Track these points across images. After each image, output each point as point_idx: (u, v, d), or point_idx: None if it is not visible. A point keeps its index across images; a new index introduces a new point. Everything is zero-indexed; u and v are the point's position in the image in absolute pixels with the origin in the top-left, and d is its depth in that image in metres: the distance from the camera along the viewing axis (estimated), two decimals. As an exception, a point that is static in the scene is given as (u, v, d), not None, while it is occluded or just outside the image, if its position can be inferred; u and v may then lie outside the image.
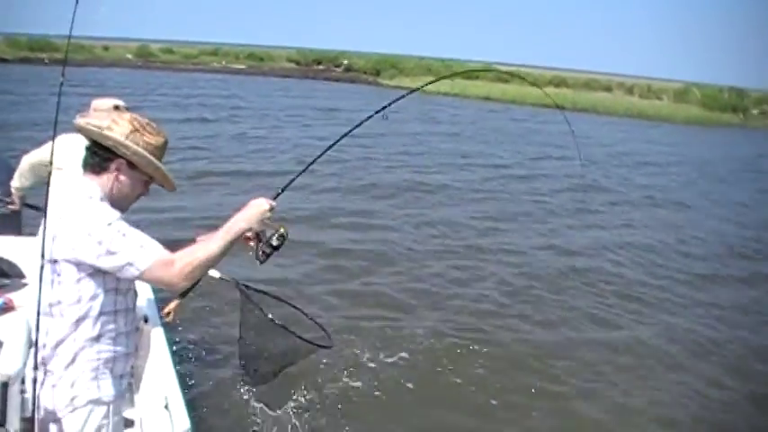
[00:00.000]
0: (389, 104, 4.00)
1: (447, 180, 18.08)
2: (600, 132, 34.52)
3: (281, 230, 3.19)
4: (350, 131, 3.84)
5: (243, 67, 63.65)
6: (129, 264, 2.69)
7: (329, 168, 16.50)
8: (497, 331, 8.49)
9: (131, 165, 2.85)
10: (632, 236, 14.15)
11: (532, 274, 10.77)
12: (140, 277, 2.74)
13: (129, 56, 62.54)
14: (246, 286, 4.00)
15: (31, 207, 5.40)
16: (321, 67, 68.33)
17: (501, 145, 26.79)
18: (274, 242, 3.17)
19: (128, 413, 4.07)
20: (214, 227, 2.95)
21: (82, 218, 2.70)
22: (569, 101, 49.55)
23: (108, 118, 2.94)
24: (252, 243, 3.21)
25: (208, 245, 2.82)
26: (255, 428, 5.73)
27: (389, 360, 7.35)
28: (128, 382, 3.09)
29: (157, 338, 4.49)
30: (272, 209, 2.99)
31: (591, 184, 18.56)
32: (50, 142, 3.81)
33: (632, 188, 19.84)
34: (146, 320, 4.43)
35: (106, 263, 2.69)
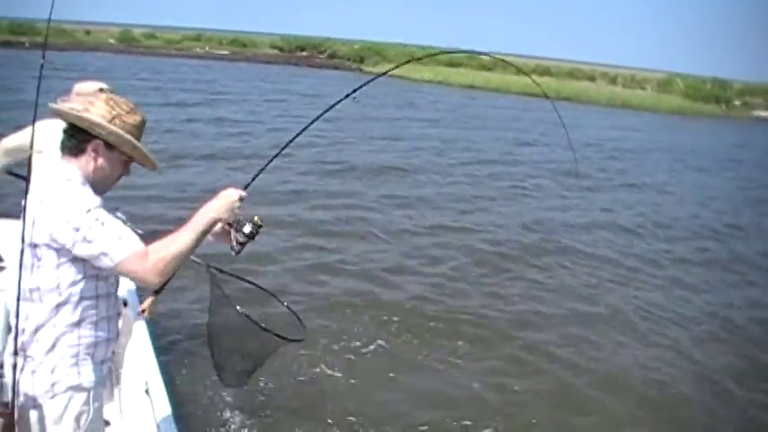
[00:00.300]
0: (359, 88, 3.93)
1: (420, 163, 18.29)
2: (582, 121, 34.51)
3: (255, 219, 3.15)
4: (319, 116, 3.73)
5: (226, 52, 63.37)
6: (104, 253, 2.64)
7: (306, 152, 16.69)
8: (477, 309, 8.65)
9: (109, 145, 2.80)
10: (610, 217, 14.49)
11: (508, 254, 10.97)
12: (114, 269, 2.68)
13: (112, 40, 62.07)
14: (218, 269, 3.81)
15: (15, 175, 5.25)
16: (305, 53, 68.17)
17: (479, 131, 26.86)
18: (246, 230, 3.12)
19: (108, 398, 4.05)
20: (191, 208, 2.91)
21: (60, 203, 2.65)
22: (553, 90, 49.57)
23: (86, 101, 2.90)
24: (227, 234, 3.18)
25: (179, 237, 2.76)
26: (233, 412, 5.74)
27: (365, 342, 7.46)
28: (108, 367, 3.04)
29: (137, 323, 4.47)
30: (241, 199, 2.94)
31: (569, 170, 18.61)
32: (29, 127, 3.75)
33: (612, 173, 20.16)
34: (125, 304, 4.39)
35: (81, 250, 2.64)
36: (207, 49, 64.77)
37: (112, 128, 2.76)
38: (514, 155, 21.73)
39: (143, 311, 2.72)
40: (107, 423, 4.03)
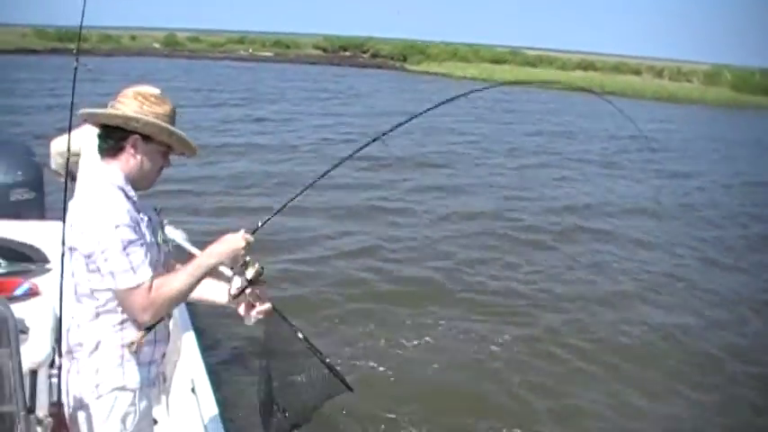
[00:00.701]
0: (391, 130, 3.73)
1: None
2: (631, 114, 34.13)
3: (257, 266, 3.01)
4: (344, 160, 3.52)
5: (270, 54, 63.79)
6: (112, 274, 2.64)
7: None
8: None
9: (146, 138, 2.78)
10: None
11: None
12: (115, 293, 2.68)
13: (157, 45, 62.88)
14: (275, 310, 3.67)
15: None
16: (348, 53, 68.31)
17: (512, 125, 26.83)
18: (249, 276, 2.99)
19: (157, 399, 4.08)
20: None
21: (92, 211, 2.66)
22: (597, 84, 49.18)
23: (115, 101, 2.89)
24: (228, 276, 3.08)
25: (179, 281, 2.76)
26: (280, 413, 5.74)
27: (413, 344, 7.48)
28: (157, 368, 3.01)
29: (183, 323, 4.49)
30: (248, 245, 2.88)
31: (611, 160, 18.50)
32: (79, 128, 3.79)
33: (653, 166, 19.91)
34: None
35: (97, 262, 2.65)
36: (250, 51, 65.30)
37: (147, 118, 2.74)
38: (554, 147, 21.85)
39: (131, 344, 2.67)
40: (155, 422, 4.07)
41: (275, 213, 3.27)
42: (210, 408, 3.80)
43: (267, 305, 3.03)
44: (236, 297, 3.03)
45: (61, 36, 51.03)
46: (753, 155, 25.09)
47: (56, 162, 5.16)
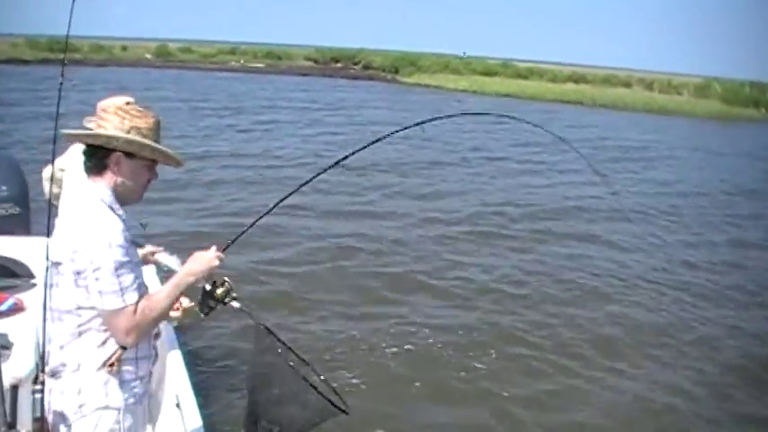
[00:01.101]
0: (374, 142, 3.84)
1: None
2: (617, 128, 34.49)
3: (226, 285, 3.10)
4: (318, 175, 3.64)
5: (261, 65, 63.77)
6: (100, 294, 2.65)
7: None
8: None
9: (129, 154, 2.79)
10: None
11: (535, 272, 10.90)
12: (100, 313, 2.70)
13: (149, 55, 62.85)
14: (267, 329, 3.45)
15: None
16: (339, 65, 68.37)
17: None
18: (219, 295, 3.08)
19: (144, 415, 4.06)
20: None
21: (85, 229, 2.67)
22: (589, 97, 49.46)
23: (97, 118, 2.89)
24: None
25: (159, 303, 2.80)
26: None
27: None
28: (144, 386, 2.99)
29: (168, 337, 4.48)
30: (220, 261, 2.97)
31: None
32: (65, 153, 3.79)
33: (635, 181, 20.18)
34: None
35: (87, 281, 2.66)
36: (242, 62, 65.28)
37: (127, 136, 2.76)
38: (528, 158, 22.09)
39: (111, 365, 2.66)
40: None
41: (243, 232, 3.33)
42: (195, 423, 3.77)
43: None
44: (207, 315, 3.12)
45: (52, 46, 50.87)
46: (736, 165, 25.41)
47: (47, 189, 5.15)
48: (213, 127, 23.32)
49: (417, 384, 6.87)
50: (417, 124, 3.88)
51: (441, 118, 4.39)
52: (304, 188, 3.57)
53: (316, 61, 70.05)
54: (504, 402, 6.71)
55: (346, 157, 3.66)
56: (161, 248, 3.47)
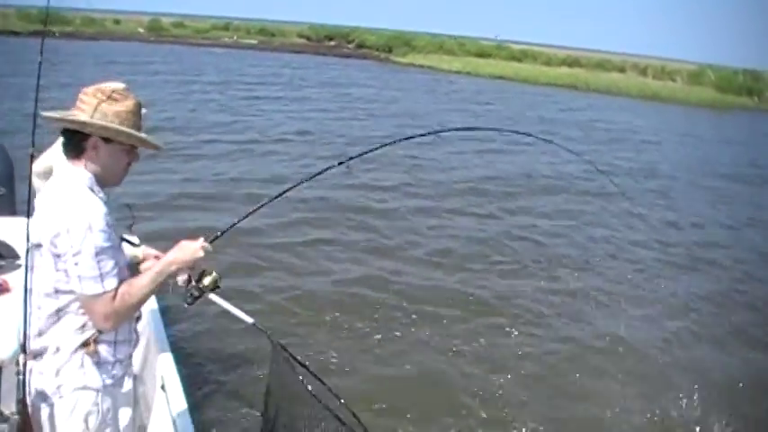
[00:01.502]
0: (355, 157, 3.97)
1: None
2: (608, 112, 34.58)
3: (214, 275, 3.11)
4: (301, 182, 3.69)
5: (254, 42, 63.43)
6: (79, 278, 2.64)
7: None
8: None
9: (106, 139, 2.77)
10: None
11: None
12: (79, 297, 2.69)
13: (141, 30, 62.41)
14: (282, 347, 3.50)
15: None
16: (333, 43, 68.02)
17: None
18: (205, 283, 3.09)
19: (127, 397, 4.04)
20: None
21: (67, 211, 2.65)
22: (582, 81, 49.38)
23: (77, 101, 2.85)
24: (181, 282, 3.15)
25: (140, 289, 2.78)
26: (249, 408, 5.71)
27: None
28: (124, 369, 3.00)
29: (154, 320, 4.46)
30: (206, 253, 2.96)
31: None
32: (54, 145, 3.75)
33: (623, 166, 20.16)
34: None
35: (67, 264, 2.65)
36: (235, 38, 64.89)
37: (102, 123, 2.73)
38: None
39: (86, 345, 2.65)
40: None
41: (231, 226, 3.34)
42: (180, 404, 3.77)
43: None
44: (190, 305, 3.16)
45: (43, 18, 50.36)
46: (719, 152, 25.74)
47: (37, 184, 5.07)
48: (199, 102, 23.18)
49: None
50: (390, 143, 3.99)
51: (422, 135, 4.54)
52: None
53: (309, 39, 69.61)
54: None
55: (341, 164, 3.85)
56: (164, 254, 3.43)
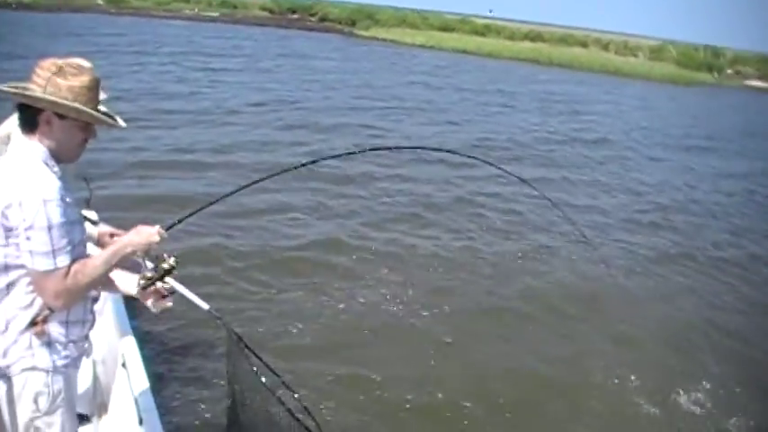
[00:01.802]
0: (311, 162, 4.15)
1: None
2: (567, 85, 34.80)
3: (171, 261, 3.06)
4: (262, 179, 3.72)
5: (216, 14, 62.69)
6: (30, 253, 2.58)
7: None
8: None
9: (60, 114, 2.68)
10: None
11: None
12: (31, 273, 2.63)
13: (100, 1, 61.34)
14: (238, 336, 3.42)
15: None
16: (296, 16, 67.50)
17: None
18: (159, 270, 3.06)
19: (83, 375, 3.97)
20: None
21: (20, 184, 2.58)
22: (545, 56, 49.62)
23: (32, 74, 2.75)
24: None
25: (93, 269, 2.74)
26: (211, 386, 5.69)
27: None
28: (78, 349, 2.95)
29: (114, 298, 4.39)
30: (161, 239, 2.94)
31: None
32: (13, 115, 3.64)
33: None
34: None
35: (19, 238, 2.59)
36: (196, 10, 64.06)
37: (53, 98, 2.64)
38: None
39: (35, 324, 2.59)
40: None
41: (188, 216, 3.33)
42: (141, 382, 3.72)
43: (169, 303, 3.16)
44: (144, 289, 3.09)
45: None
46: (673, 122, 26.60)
47: None
48: (156, 73, 22.68)
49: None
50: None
51: (353, 153, 4.54)
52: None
53: (271, 11, 68.98)
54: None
55: (314, 162, 4.07)
56: (121, 231, 3.36)
